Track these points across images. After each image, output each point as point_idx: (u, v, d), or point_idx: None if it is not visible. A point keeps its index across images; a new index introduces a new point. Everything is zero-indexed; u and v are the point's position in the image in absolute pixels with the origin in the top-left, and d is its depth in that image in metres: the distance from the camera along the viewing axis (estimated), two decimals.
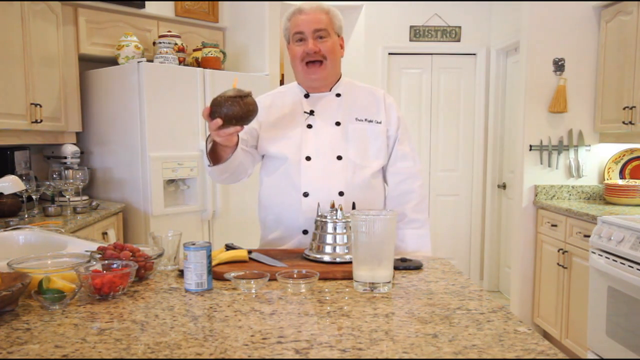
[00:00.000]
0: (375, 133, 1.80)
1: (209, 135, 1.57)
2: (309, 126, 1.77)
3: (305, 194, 1.73)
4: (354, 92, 1.84)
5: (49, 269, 1.31)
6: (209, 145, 1.63)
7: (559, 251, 3.28)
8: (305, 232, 1.75)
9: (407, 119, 4.67)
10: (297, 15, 1.74)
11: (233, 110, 1.45)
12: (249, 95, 1.48)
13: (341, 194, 1.72)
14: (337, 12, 1.78)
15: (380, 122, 1.81)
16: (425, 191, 1.90)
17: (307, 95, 1.81)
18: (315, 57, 1.72)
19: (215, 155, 1.66)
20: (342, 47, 1.80)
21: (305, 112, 1.79)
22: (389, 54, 4.62)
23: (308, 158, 1.75)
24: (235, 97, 1.45)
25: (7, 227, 2.21)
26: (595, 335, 2.80)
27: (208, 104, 1.49)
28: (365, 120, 1.80)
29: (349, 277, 1.35)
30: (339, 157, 1.75)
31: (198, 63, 3.64)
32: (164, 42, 3.44)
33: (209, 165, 1.67)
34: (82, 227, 2.62)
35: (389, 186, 1.86)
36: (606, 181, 3.55)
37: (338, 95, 1.82)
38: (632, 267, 2.51)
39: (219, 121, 1.46)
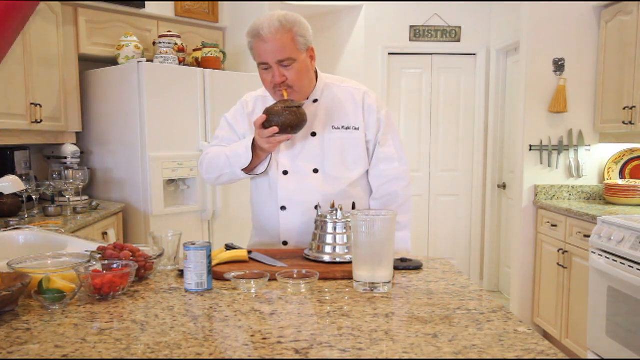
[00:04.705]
0: (353, 140, 1.75)
1: (253, 143, 1.64)
2: None
3: (283, 208, 1.74)
4: (332, 95, 1.77)
5: (49, 269, 1.32)
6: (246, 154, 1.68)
7: (559, 251, 3.28)
8: (285, 243, 1.76)
9: (407, 119, 4.70)
10: (258, 41, 1.59)
11: (289, 119, 1.56)
12: (301, 106, 1.60)
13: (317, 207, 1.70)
14: (301, 22, 1.62)
15: (358, 128, 1.75)
16: (410, 192, 1.85)
17: None
18: (282, 86, 1.64)
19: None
20: (312, 58, 1.69)
21: None
22: (389, 54, 4.61)
23: (285, 172, 1.74)
24: (292, 107, 1.56)
25: (7, 227, 2.21)
26: (595, 335, 2.80)
27: (263, 114, 1.57)
28: (342, 127, 1.74)
29: (349, 277, 1.35)
30: (315, 170, 1.74)
31: (198, 63, 3.64)
32: (164, 42, 3.44)
33: (244, 171, 1.71)
34: (82, 227, 2.62)
35: (373, 189, 1.82)
36: (606, 181, 3.55)
37: (315, 101, 1.76)
38: (632, 267, 2.51)
39: (275, 129, 1.54)
